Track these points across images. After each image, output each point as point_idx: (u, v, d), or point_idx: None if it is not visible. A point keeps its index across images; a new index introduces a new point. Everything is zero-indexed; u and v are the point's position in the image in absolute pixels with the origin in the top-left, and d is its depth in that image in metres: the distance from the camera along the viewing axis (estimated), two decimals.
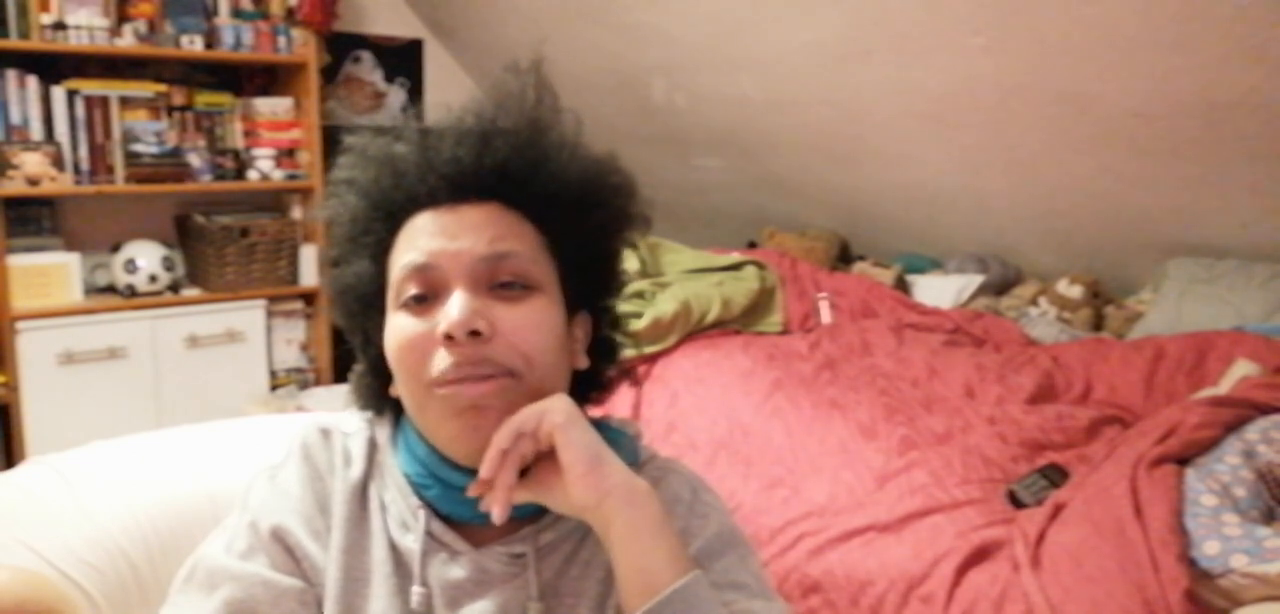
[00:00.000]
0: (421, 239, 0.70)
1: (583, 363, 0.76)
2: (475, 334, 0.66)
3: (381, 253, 0.73)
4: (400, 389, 0.71)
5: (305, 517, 0.74)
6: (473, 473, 0.67)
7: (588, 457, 0.65)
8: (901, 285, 2.91)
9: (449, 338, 0.66)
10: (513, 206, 0.71)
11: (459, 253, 0.68)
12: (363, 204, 0.73)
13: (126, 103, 2.85)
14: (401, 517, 0.74)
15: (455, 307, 0.66)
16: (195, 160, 2.99)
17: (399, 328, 0.69)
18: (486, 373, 0.67)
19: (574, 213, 0.73)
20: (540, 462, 0.68)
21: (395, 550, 0.73)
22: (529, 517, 0.73)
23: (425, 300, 0.69)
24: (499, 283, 0.69)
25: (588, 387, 0.79)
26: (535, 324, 0.69)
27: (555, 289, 0.72)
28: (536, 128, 0.73)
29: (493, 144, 0.71)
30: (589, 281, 0.76)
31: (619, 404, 2.26)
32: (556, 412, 0.66)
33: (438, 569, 0.72)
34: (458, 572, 0.72)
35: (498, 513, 0.66)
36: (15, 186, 2.66)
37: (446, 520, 0.73)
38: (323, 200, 0.78)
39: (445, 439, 0.70)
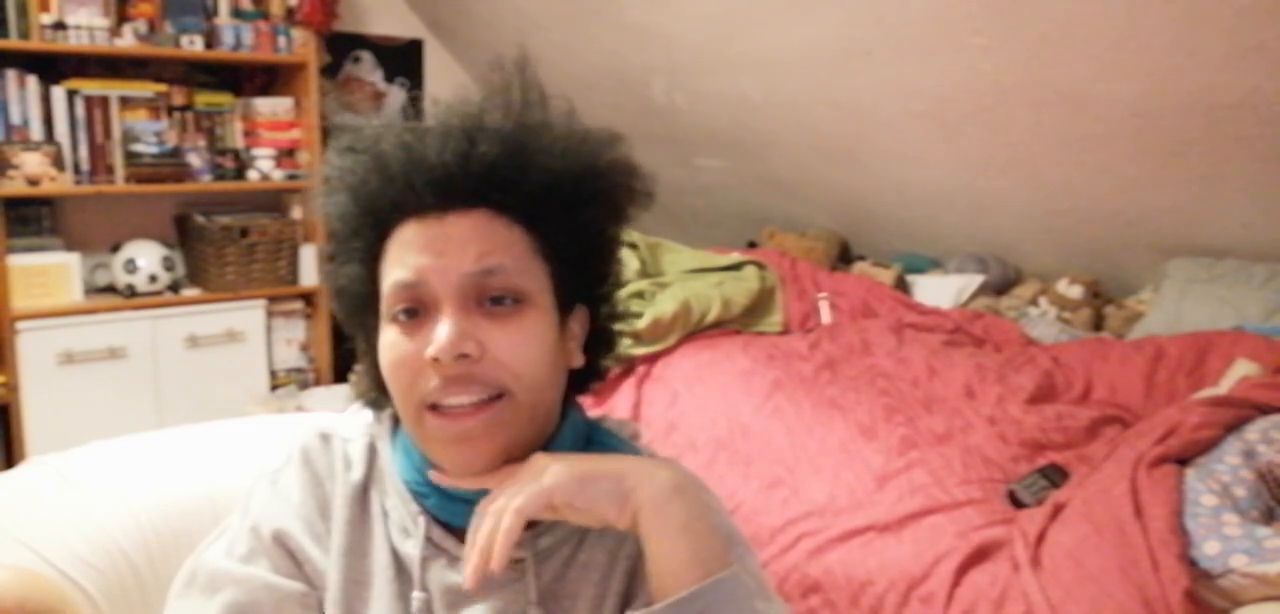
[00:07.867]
0: (409, 254, 0.68)
1: (578, 361, 0.75)
2: (464, 356, 0.66)
3: (371, 259, 0.72)
4: (395, 402, 0.71)
5: (306, 521, 0.74)
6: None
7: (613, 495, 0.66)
8: (901, 285, 2.91)
9: (437, 361, 0.66)
10: (501, 211, 0.69)
11: (446, 270, 0.67)
12: (352, 204, 0.72)
13: (126, 103, 2.85)
14: (402, 522, 0.74)
15: (443, 331, 0.66)
16: (195, 160, 2.98)
17: (390, 345, 0.69)
18: (476, 397, 0.67)
19: (566, 210, 0.71)
20: None
21: (396, 556, 0.73)
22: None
23: (416, 315, 0.68)
24: (489, 298, 0.68)
25: (586, 379, 0.79)
26: (525, 341, 0.68)
27: (546, 295, 0.71)
28: (524, 128, 0.71)
29: (479, 146, 0.69)
30: (585, 276, 0.75)
31: (619, 404, 2.27)
32: (554, 489, 0.65)
33: (438, 575, 0.72)
34: (457, 577, 0.71)
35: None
36: (15, 186, 2.65)
37: (446, 526, 0.73)
38: (316, 194, 0.77)
39: (438, 461, 0.70)
